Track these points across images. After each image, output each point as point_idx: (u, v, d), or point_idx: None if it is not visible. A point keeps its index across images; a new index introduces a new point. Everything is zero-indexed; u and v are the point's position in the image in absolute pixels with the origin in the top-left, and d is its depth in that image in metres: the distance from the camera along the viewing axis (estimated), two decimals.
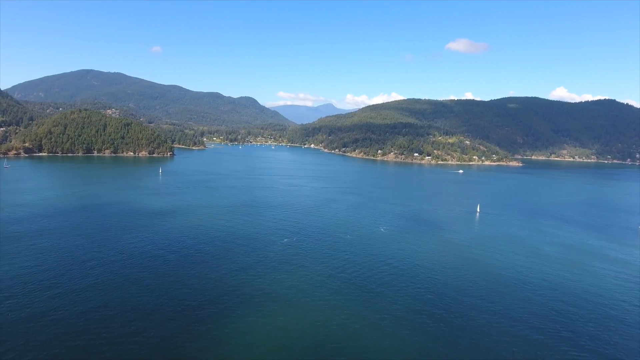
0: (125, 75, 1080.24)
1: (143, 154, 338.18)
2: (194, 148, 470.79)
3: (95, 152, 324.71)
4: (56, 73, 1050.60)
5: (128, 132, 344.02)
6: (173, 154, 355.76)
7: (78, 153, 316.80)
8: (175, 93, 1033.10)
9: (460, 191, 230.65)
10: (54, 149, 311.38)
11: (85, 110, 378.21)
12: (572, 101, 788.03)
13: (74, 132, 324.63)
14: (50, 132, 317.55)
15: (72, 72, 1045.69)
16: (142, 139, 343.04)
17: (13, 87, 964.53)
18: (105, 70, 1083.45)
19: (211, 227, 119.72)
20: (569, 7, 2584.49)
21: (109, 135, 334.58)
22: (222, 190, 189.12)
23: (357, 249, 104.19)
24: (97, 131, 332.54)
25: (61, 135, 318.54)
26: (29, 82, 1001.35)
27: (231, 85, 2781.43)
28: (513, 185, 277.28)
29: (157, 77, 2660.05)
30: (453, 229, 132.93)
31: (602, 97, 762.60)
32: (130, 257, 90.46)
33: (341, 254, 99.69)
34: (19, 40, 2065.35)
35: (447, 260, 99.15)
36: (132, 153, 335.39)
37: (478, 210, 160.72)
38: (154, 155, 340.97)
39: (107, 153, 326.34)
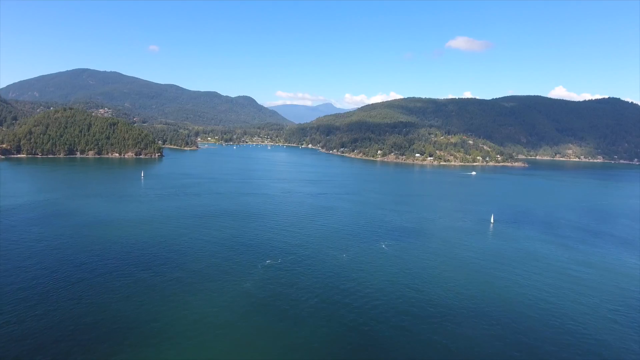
0: (121, 74, 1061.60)
1: (129, 155, 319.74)
2: (185, 149, 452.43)
3: (78, 153, 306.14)
4: (52, 72, 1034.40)
5: (114, 132, 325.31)
6: (161, 155, 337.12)
7: (59, 154, 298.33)
8: (172, 92, 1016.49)
9: (470, 196, 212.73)
10: (34, 150, 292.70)
11: (70, 109, 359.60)
12: (572, 100, 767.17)
13: (56, 132, 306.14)
14: (30, 132, 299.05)
15: (67, 71, 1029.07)
16: (128, 139, 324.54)
17: (7, 86, 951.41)
18: (101, 70, 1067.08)
19: (180, 243, 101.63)
20: (569, 7, 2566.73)
21: (93, 136, 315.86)
22: (205, 197, 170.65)
23: (355, 277, 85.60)
24: (80, 131, 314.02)
25: (42, 135, 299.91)
26: (24, 81, 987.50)
27: (229, 85, 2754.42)
28: (524, 188, 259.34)
29: (154, 76, 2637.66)
30: (466, 244, 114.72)
31: (602, 96, 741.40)
32: (68, 283, 72.45)
33: (335, 292, 79.56)
34: (15, 39, 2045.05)
35: (465, 289, 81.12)
36: (117, 154, 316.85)
37: (492, 220, 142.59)
38: (141, 156, 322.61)
39: (90, 154, 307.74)
